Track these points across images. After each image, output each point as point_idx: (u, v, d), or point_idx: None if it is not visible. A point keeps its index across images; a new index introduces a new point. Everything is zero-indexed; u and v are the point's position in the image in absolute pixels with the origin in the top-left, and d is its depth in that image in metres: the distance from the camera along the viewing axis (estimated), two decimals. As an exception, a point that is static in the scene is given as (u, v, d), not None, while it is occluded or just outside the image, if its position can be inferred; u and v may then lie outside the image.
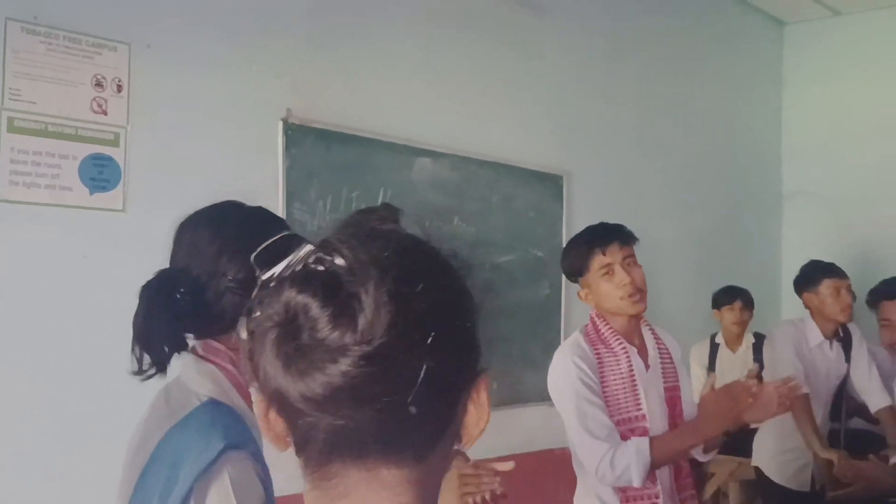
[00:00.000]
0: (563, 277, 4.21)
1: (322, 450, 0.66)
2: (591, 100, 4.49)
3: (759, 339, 4.41)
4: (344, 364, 0.61)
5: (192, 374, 1.27)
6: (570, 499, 4.31)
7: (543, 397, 4.16)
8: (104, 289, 2.61)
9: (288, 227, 1.38)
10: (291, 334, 0.62)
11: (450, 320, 0.67)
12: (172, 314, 1.21)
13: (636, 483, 2.16)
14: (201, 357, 1.28)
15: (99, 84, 2.68)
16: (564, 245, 2.48)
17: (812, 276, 3.63)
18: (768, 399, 2.13)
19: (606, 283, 2.26)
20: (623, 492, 2.23)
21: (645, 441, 2.18)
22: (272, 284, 0.65)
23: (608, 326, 2.31)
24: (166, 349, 1.22)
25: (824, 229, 5.44)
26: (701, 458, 2.39)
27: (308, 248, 0.65)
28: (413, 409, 0.63)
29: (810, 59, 5.72)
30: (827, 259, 3.79)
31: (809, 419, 3.46)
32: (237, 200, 1.38)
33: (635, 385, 2.27)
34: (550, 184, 4.22)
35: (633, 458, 2.15)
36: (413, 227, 0.74)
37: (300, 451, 0.67)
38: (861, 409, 3.91)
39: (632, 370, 2.27)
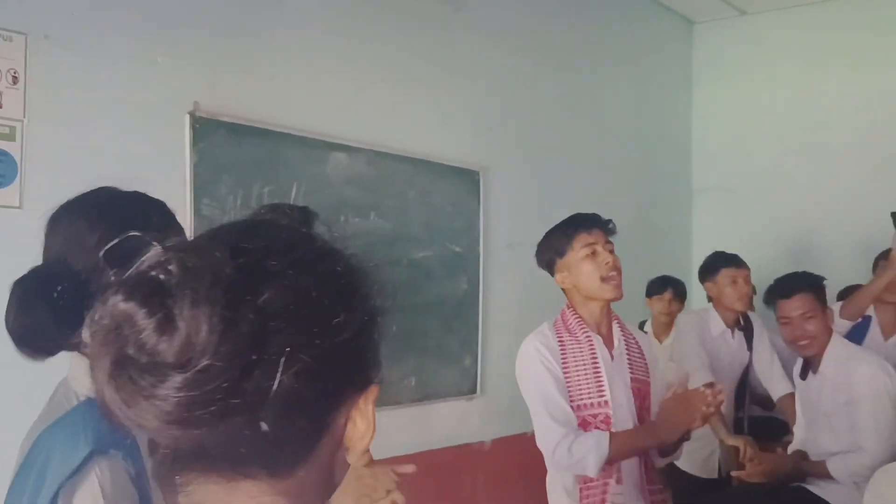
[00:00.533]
0: (481, 272, 4.26)
1: (164, 461, 0.62)
2: (507, 96, 4.52)
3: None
4: (165, 388, 0.56)
5: (75, 371, 1.22)
6: (488, 493, 4.34)
7: (460, 392, 4.20)
8: (1, 286, 2.49)
9: (168, 212, 1.30)
10: (117, 344, 0.57)
11: (313, 336, 0.61)
12: (51, 314, 1.14)
13: (591, 473, 2.24)
14: (85, 354, 1.20)
15: (-8, 75, 2.55)
16: (543, 236, 2.51)
17: (712, 265, 3.73)
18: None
19: (589, 264, 2.34)
20: (584, 482, 2.30)
21: (605, 435, 2.25)
22: (109, 288, 0.60)
23: (576, 316, 2.39)
24: (43, 351, 1.15)
25: (732, 223, 5.62)
26: (657, 461, 2.45)
27: (155, 251, 0.60)
28: (265, 427, 0.59)
29: (719, 57, 5.89)
30: (735, 251, 3.90)
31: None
32: (112, 186, 1.29)
33: (598, 373, 2.33)
34: (467, 179, 4.23)
35: (591, 448, 2.22)
36: (322, 228, 0.70)
37: (149, 454, 0.63)
38: (763, 398, 4.05)
39: (595, 358, 2.34)
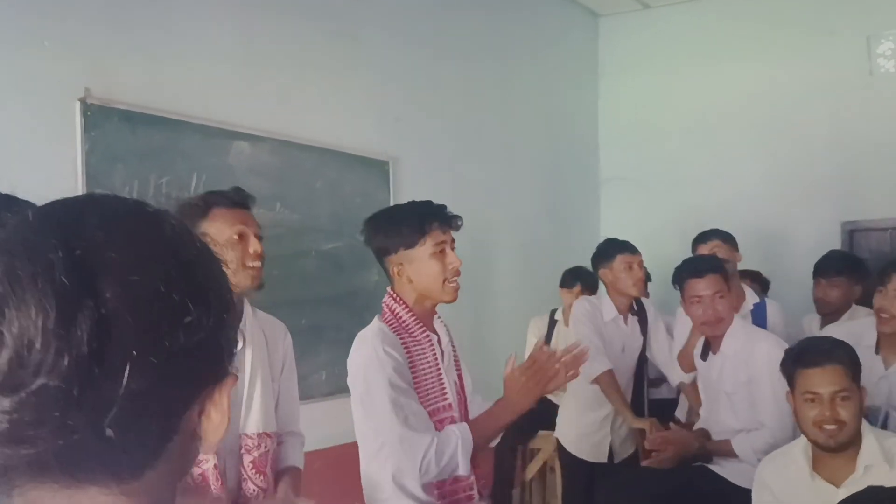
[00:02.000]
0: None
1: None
2: (415, 86, 4.49)
3: None
4: None
5: None
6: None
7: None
8: None
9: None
10: None
11: (163, 337, 0.55)
12: None
13: (462, 471, 2.10)
14: None
15: None
16: (378, 215, 2.29)
17: (606, 251, 3.77)
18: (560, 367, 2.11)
19: (437, 264, 2.14)
20: (439, 488, 2.13)
21: (465, 426, 2.12)
22: None
23: (410, 313, 2.19)
24: None
25: (638, 212, 5.73)
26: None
27: None
28: (110, 434, 0.53)
29: (623, 50, 6.00)
30: (640, 239, 3.97)
31: (617, 392, 3.61)
32: None
33: (440, 374, 2.19)
34: (376, 169, 4.18)
35: (458, 445, 2.07)
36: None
37: None
38: (658, 381, 4.14)
39: (436, 359, 2.19)
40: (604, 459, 3.75)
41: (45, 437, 0.52)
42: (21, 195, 1.23)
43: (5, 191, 1.24)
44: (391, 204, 4.21)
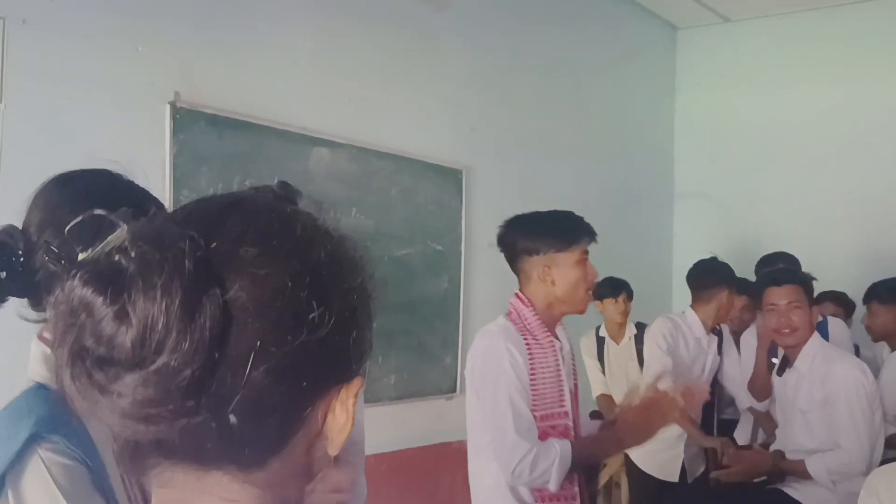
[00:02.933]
0: (462, 271, 4.25)
1: (125, 449, 0.59)
2: (490, 96, 4.51)
3: (640, 328, 4.43)
4: (119, 385, 0.53)
5: (31, 357, 1.19)
6: (466, 493, 4.31)
7: (440, 391, 4.18)
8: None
9: (145, 197, 1.24)
10: (75, 332, 0.54)
11: (285, 332, 0.57)
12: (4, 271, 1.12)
13: (552, 487, 2.09)
14: (41, 339, 1.18)
15: (-32, 59, 2.51)
16: (526, 217, 2.34)
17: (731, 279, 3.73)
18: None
19: (581, 270, 2.20)
20: (539, 491, 2.14)
21: (567, 445, 2.11)
22: (70, 268, 0.55)
23: (536, 316, 2.21)
24: None
25: (713, 229, 5.64)
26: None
27: (120, 232, 0.56)
28: (233, 421, 0.56)
29: (701, 63, 5.92)
30: (713, 256, 3.92)
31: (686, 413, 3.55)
32: (105, 169, 1.26)
33: (560, 380, 2.20)
34: (450, 178, 4.21)
35: (555, 461, 2.07)
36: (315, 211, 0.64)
37: (113, 439, 0.60)
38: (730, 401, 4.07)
39: (557, 364, 2.20)
40: (675, 478, 3.69)
41: (167, 416, 0.54)
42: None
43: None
44: (462, 213, 4.25)
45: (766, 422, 3.62)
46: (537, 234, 2.25)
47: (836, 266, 4.86)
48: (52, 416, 1.10)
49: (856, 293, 4.65)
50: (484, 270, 4.38)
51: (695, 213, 5.84)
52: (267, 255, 0.58)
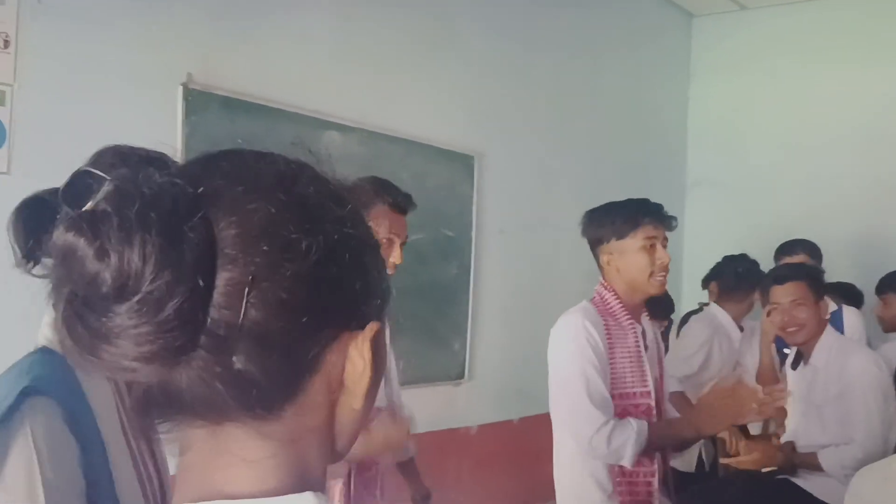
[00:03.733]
0: (473, 257, 4.24)
1: (137, 405, 0.58)
2: (503, 82, 4.48)
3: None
4: (111, 321, 0.53)
5: (42, 324, 1.21)
6: (473, 479, 4.32)
7: (448, 377, 4.18)
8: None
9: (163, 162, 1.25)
10: (65, 281, 0.54)
11: (278, 262, 0.56)
12: (42, 223, 1.10)
13: (626, 463, 2.15)
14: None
15: (-18, 38, 2.51)
16: (597, 208, 2.40)
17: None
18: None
19: (645, 257, 2.24)
20: (620, 469, 2.19)
21: (644, 424, 2.16)
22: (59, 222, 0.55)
23: (618, 301, 2.28)
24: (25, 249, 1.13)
25: (725, 218, 5.61)
26: (670, 456, 2.42)
27: (108, 185, 0.55)
28: (238, 365, 0.56)
29: (717, 51, 5.87)
30: (725, 246, 3.91)
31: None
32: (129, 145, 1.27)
33: (642, 361, 2.25)
34: (462, 164, 4.20)
35: (631, 437, 2.12)
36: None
37: (122, 402, 0.60)
38: None
39: (638, 346, 2.26)
40: (691, 469, 3.69)
41: (163, 354, 0.54)
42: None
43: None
44: (474, 199, 4.24)
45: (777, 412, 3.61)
46: (599, 223, 2.32)
47: (849, 255, 4.83)
48: (50, 376, 1.12)
49: (870, 283, 4.63)
50: (494, 257, 4.38)
51: (707, 202, 5.81)
52: (252, 191, 0.58)
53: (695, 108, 5.96)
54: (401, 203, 2.18)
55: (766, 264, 4.09)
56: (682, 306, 4.96)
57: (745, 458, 3.00)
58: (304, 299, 0.58)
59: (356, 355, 0.62)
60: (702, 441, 3.66)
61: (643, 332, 2.32)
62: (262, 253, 0.56)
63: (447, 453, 4.11)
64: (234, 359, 0.56)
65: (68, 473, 1.10)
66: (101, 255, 0.53)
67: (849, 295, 4.28)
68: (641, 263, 2.25)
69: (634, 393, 2.23)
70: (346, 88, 3.61)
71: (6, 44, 2.56)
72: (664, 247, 2.29)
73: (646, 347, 2.30)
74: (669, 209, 6.33)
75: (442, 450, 4.05)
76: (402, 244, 2.18)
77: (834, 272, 4.09)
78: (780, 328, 3.05)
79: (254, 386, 0.57)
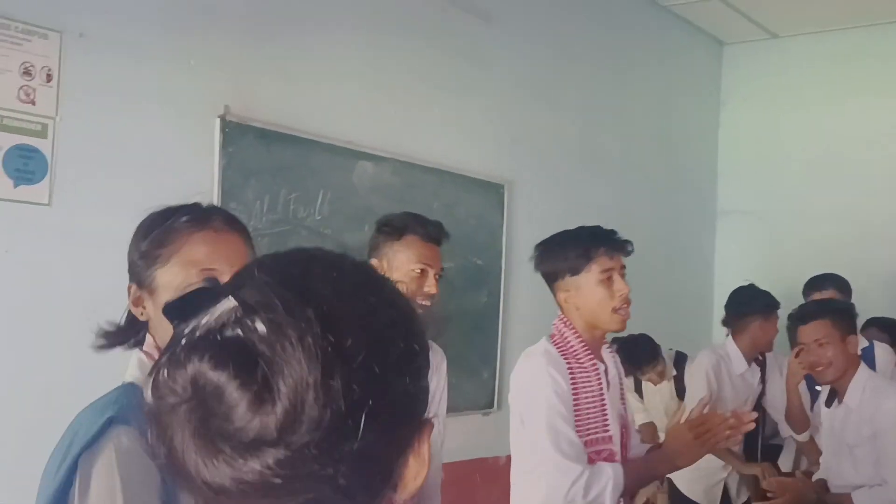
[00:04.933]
0: (502, 286, 4.24)
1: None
2: (533, 110, 4.50)
3: (681, 360, 4.30)
4: (257, 463, 0.52)
5: (129, 365, 1.29)
6: (503, 508, 4.28)
7: (478, 406, 4.17)
8: (27, 284, 2.51)
9: (194, 221, 1.29)
10: (200, 415, 0.52)
11: (391, 386, 0.57)
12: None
13: None
14: (143, 352, 1.29)
15: (27, 72, 2.57)
16: (548, 241, 2.29)
17: (752, 304, 3.65)
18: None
19: (603, 290, 2.11)
20: None
21: (619, 467, 2.09)
22: (181, 346, 0.53)
23: (579, 339, 2.17)
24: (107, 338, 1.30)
25: (756, 247, 5.56)
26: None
27: (228, 304, 0.54)
28: (343, 482, 0.55)
29: (747, 79, 5.85)
30: (757, 276, 3.86)
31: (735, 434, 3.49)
32: (176, 205, 1.33)
33: (604, 404, 2.16)
34: (492, 192, 4.21)
35: (608, 484, 2.04)
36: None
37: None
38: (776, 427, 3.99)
39: (601, 387, 2.16)
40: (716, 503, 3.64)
41: (292, 489, 0.53)
42: (162, 201, 1.36)
43: (147, 199, 1.36)
44: (504, 227, 4.25)
45: (809, 449, 3.56)
46: (553, 259, 2.20)
47: (884, 286, 4.77)
48: (135, 408, 1.15)
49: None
50: (524, 285, 4.37)
51: (738, 231, 5.77)
52: (363, 306, 0.58)
53: (725, 136, 5.94)
54: (432, 233, 2.17)
55: (799, 291, 4.04)
56: (715, 337, 4.91)
57: (778, 501, 2.96)
58: (403, 415, 0.59)
59: (412, 456, 0.62)
60: (726, 475, 3.62)
61: (605, 370, 2.20)
62: (380, 375, 0.56)
63: (475, 483, 4.09)
64: (340, 480, 0.55)
65: (148, 499, 1.13)
66: (262, 402, 0.51)
67: (887, 329, 4.19)
68: (600, 298, 2.11)
69: (597, 439, 2.14)
70: (378, 119, 3.65)
71: (49, 77, 2.63)
72: (622, 276, 2.15)
73: (608, 385, 2.18)
74: (700, 237, 6.31)
75: (470, 479, 4.04)
76: (437, 276, 2.16)
77: (865, 303, 4.04)
78: (808, 368, 3.00)
79: (347, 500, 0.57)
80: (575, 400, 2.11)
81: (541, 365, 2.11)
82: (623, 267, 2.18)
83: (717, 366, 3.57)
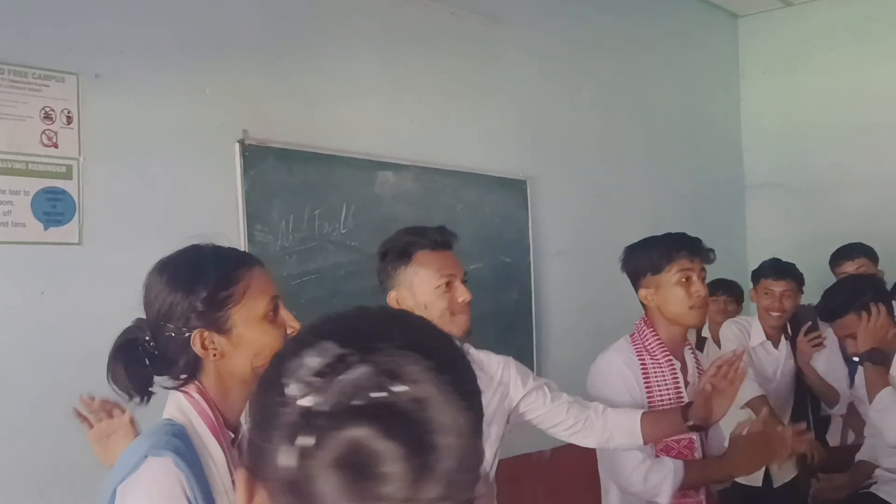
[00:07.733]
0: (532, 281, 4.24)
1: None
2: (551, 103, 4.49)
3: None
4: None
5: (167, 404, 1.35)
6: (550, 503, 4.30)
7: (518, 403, 4.17)
8: (64, 324, 2.57)
9: (244, 259, 1.40)
10: (359, 478, 0.54)
11: (474, 427, 0.60)
12: (138, 360, 1.33)
13: (664, 501, 2.19)
14: (180, 390, 1.35)
15: (48, 116, 2.63)
16: (635, 243, 2.45)
17: (756, 272, 3.66)
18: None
19: (681, 290, 2.28)
20: None
21: (680, 463, 2.21)
22: (327, 413, 0.55)
23: (656, 337, 2.34)
24: (131, 390, 1.33)
25: (787, 219, 5.50)
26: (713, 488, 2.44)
27: (362, 370, 0.56)
28: None
29: (765, 50, 5.78)
30: (790, 248, 3.81)
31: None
32: (202, 244, 1.38)
33: (681, 398, 2.29)
34: (515, 189, 4.21)
35: (668, 476, 2.17)
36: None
37: None
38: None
39: (677, 382, 2.30)
40: (758, 483, 3.61)
41: None
42: (189, 230, 1.41)
43: (175, 229, 1.42)
44: (529, 223, 4.25)
45: (854, 421, 3.51)
46: (636, 259, 2.37)
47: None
48: (170, 440, 1.24)
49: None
50: (554, 279, 4.37)
51: (768, 205, 5.70)
52: (452, 358, 0.61)
53: (747, 109, 5.87)
54: (440, 240, 2.07)
55: (825, 266, 3.98)
56: (749, 311, 4.86)
57: (833, 483, 2.95)
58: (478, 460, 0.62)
59: None
60: None
61: (683, 367, 2.34)
62: (473, 427, 0.60)
63: (521, 479, 4.10)
64: None
65: None
66: (423, 470, 0.53)
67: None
68: (678, 296, 2.28)
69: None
70: (395, 127, 3.67)
71: (69, 120, 2.68)
72: (701, 280, 2.31)
73: (686, 383, 2.32)
74: (729, 213, 6.23)
75: (515, 475, 4.05)
76: (463, 280, 2.14)
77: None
78: (851, 353, 2.96)
79: None
80: (648, 392, 2.28)
81: (610, 360, 2.34)
82: (703, 270, 2.33)
83: (739, 336, 3.63)
